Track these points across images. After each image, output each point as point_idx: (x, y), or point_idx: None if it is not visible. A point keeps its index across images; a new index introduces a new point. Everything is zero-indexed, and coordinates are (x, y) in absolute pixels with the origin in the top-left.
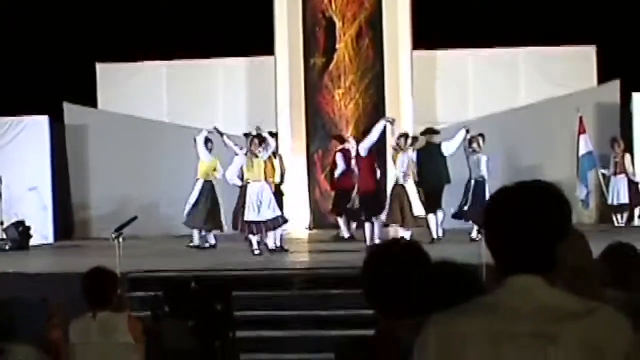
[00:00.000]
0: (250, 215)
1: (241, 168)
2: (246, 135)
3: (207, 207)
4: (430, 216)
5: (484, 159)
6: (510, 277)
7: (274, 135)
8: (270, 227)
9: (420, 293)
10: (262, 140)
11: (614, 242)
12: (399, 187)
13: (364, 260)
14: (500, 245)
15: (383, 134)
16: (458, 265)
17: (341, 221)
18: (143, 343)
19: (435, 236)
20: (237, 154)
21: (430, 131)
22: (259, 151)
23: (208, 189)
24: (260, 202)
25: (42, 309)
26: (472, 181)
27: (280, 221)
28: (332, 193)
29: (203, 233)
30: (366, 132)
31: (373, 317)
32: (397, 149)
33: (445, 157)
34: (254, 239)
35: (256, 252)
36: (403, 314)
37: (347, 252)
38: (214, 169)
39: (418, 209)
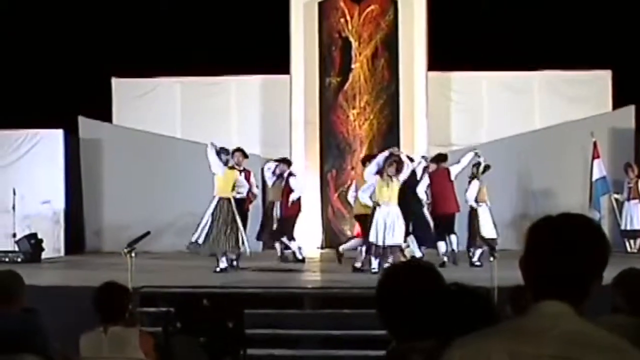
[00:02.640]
0: (375, 237)
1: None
2: (369, 157)
3: (222, 230)
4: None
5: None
6: (542, 303)
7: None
8: (389, 252)
9: (432, 315)
10: (399, 162)
11: (627, 269)
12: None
13: (378, 280)
14: (539, 271)
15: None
16: (470, 288)
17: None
18: (154, 359)
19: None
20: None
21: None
22: (393, 173)
23: (223, 207)
24: (386, 226)
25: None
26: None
27: (397, 249)
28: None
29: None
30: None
31: (385, 337)
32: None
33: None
34: (375, 261)
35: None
36: (415, 336)
37: (360, 272)
38: (234, 185)
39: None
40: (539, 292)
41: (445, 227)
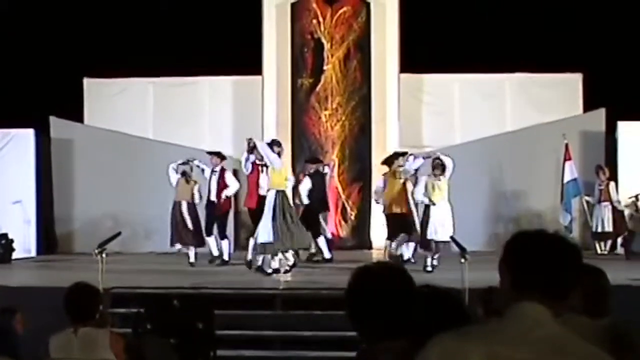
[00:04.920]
0: (430, 234)
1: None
2: (397, 154)
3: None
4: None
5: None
6: (522, 304)
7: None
8: (441, 248)
9: (402, 316)
10: (442, 163)
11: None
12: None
13: (348, 281)
14: (524, 275)
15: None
16: (441, 289)
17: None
18: None
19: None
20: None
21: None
22: (438, 174)
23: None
24: (437, 223)
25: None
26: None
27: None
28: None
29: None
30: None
31: (356, 339)
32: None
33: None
34: (429, 257)
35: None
36: (385, 337)
37: (331, 273)
38: (285, 178)
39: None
40: (521, 293)
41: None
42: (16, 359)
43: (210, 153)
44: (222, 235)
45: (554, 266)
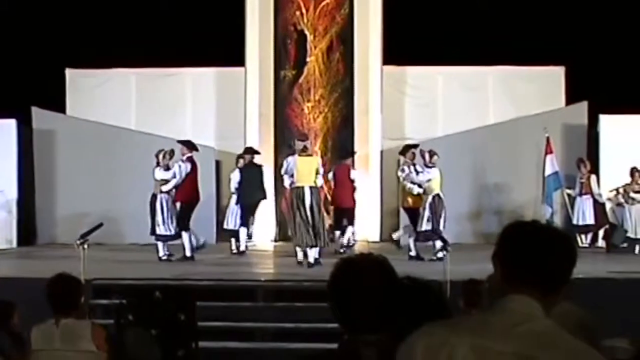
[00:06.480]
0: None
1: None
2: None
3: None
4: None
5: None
6: (510, 297)
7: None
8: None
9: (384, 308)
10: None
11: None
12: None
13: (330, 273)
14: (517, 267)
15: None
16: (423, 281)
17: None
18: (106, 351)
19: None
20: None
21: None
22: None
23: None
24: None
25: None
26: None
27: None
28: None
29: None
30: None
31: (337, 330)
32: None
33: None
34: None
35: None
36: (367, 329)
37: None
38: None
39: None
40: (512, 286)
41: (341, 219)
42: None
43: (180, 142)
44: (182, 228)
45: (546, 258)
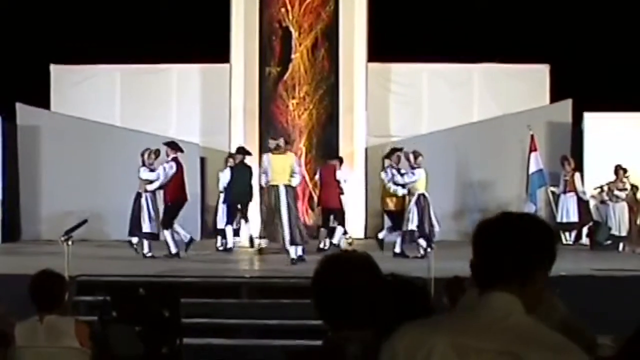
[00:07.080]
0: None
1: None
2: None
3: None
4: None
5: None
6: (489, 294)
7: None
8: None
9: (368, 305)
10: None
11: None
12: None
13: (314, 270)
14: (487, 262)
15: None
16: (407, 278)
17: None
18: (90, 348)
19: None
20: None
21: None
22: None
23: None
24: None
25: None
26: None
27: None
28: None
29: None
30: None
31: (322, 327)
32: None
33: None
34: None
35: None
36: (351, 326)
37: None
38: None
39: None
40: (485, 282)
41: (328, 219)
42: None
43: (165, 144)
44: (164, 226)
45: (516, 244)
